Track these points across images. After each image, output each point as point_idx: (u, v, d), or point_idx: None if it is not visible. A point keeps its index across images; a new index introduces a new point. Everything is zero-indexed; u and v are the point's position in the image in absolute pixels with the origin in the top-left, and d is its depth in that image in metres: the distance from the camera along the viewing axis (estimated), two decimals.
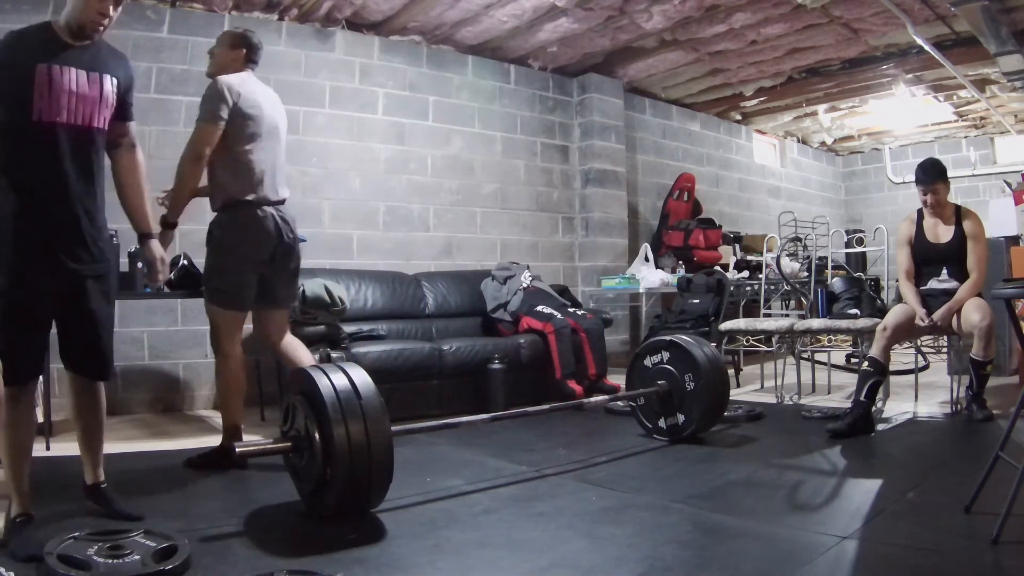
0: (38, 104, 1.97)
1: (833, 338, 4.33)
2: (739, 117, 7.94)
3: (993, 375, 4.58)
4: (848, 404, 3.53)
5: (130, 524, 2.03)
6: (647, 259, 6.00)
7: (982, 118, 7.89)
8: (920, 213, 3.78)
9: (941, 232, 3.69)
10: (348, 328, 4.01)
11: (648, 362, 3.29)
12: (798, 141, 9.11)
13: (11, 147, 2.00)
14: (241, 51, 2.97)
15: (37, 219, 2.00)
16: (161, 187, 4.36)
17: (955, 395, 3.71)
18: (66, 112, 2.01)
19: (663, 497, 2.42)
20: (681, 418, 3.14)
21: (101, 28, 2.07)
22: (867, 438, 3.22)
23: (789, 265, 5.19)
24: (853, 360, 4.98)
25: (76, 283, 2.07)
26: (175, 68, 4.44)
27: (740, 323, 4.46)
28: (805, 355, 4.56)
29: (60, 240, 2.03)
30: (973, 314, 3.38)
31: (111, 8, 2.06)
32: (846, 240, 7.28)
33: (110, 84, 2.12)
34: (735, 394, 4.06)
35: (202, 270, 3.15)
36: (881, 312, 4.10)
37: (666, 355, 3.22)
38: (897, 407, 3.86)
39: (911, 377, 4.37)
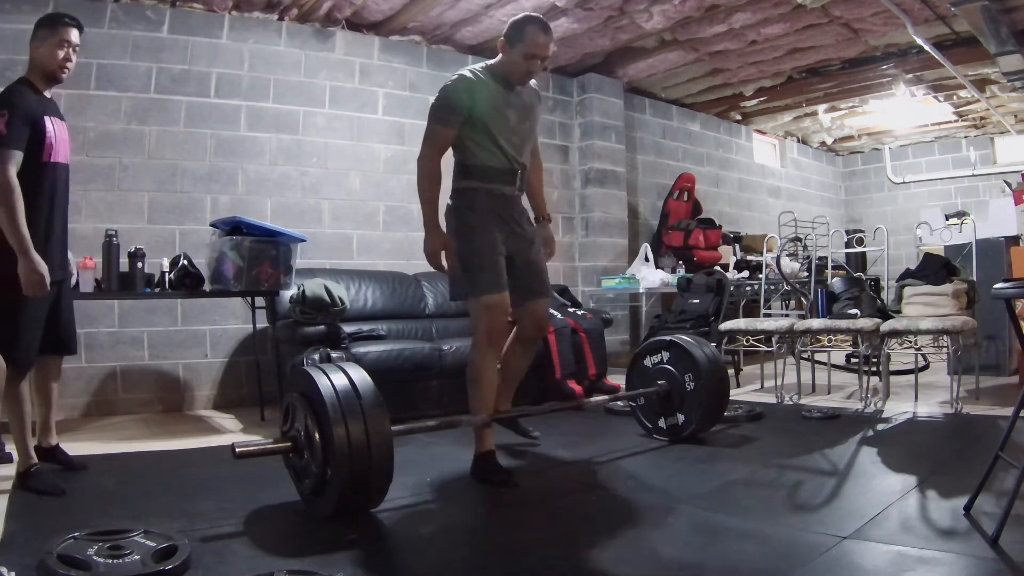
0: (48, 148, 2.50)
1: (833, 338, 4.33)
2: (739, 117, 7.94)
3: (993, 375, 4.61)
4: (847, 404, 3.52)
5: (127, 524, 2.04)
6: (647, 259, 6.00)
7: (982, 118, 7.89)
8: None
9: None
10: (348, 328, 4.01)
11: (648, 362, 3.29)
12: (798, 141, 9.11)
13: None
14: None
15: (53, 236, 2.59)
16: (162, 186, 4.40)
17: (955, 395, 3.71)
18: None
19: (663, 497, 2.42)
20: (681, 418, 3.14)
21: (67, 72, 2.56)
22: (867, 438, 3.22)
23: (789, 265, 5.19)
24: (853, 360, 4.98)
25: (61, 285, 2.63)
26: (175, 68, 4.45)
27: (740, 323, 4.46)
28: (805, 355, 4.55)
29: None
30: None
31: (72, 55, 2.55)
32: (846, 240, 7.29)
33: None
34: (735, 394, 4.06)
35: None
36: (881, 312, 4.10)
37: (666, 355, 3.22)
38: (897, 407, 3.86)
39: (911, 377, 4.37)
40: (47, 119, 2.50)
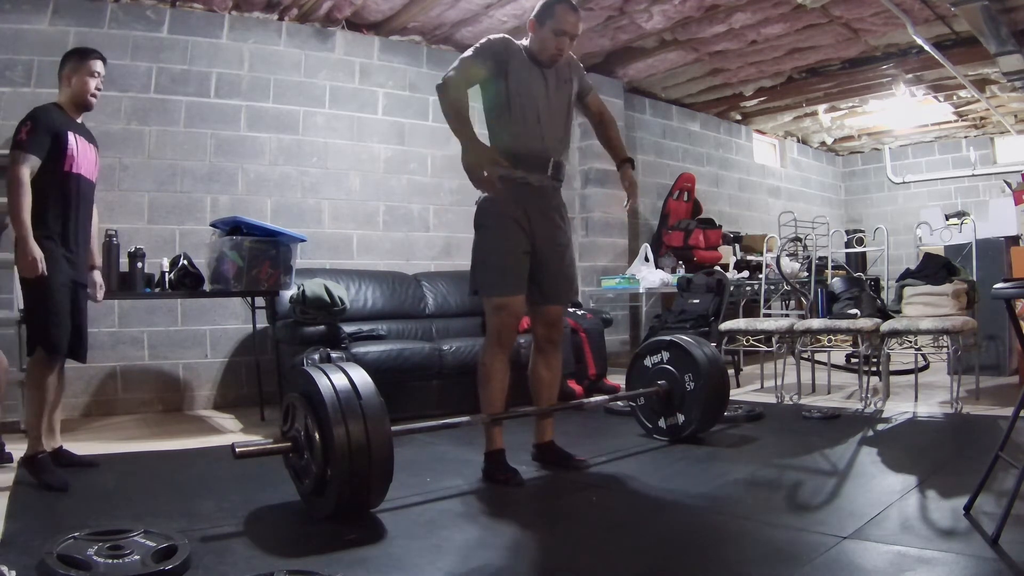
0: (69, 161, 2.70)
1: (833, 338, 4.33)
2: (739, 117, 7.93)
3: (993, 375, 4.61)
4: (847, 404, 3.51)
5: (127, 524, 2.04)
6: (647, 259, 6.00)
7: (982, 118, 7.89)
8: None
9: None
10: (348, 328, 4.01)
11: (648, 362, 3.29)
12: (798, 141, 9.11)
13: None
14: None
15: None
16: (162, 186, 4.40)
17: (955, 395, 3.71)
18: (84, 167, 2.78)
19: (663, 497, 2.42)
20: (681, 418, 3.14)
21: (95, 99, 2.80)
22: (867, 438, 3.23)
23: (789, 265, 5.19)
24: (853, 360, 4.98)
25: (78, 289, 2.78)
26: (175, 68, 4.45)
27: (740, 323, 4.46)
28: (805, 355, 4.55)
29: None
30: None
31: (100, 84, 2.80)
32: (846, 240, 7.28)
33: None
34: (735, 394, 4.06)
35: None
36: (881, 312, 4.10)
37: (666, 355, 3.22)
38: (897, 407, 3.86)
39: (911, 377, 4.37)
40: (71, 134, 2.70)
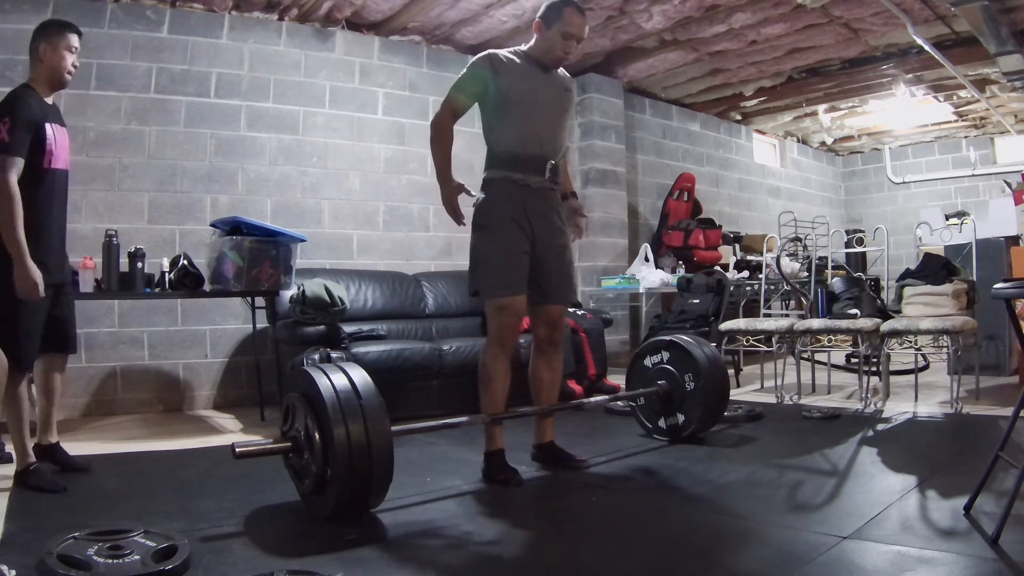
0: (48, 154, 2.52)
1: (833, 338, 4.33)
2: (739, 117, 7.93)
3: (993, 375, 4.61)
4: (847, 404, 3.51)
5: (127, 524, 2.04)
6: (647, 259, 6.00)
7: (982, 118, 7.89)
8: None
9: None
10: (348, 328, 4.01)
11: (648, 362, 3.29)
12: (798, 141, 9.11)
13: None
14: None
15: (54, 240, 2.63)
16: (162, 186, 4.40)
17: (955, 395, 3.71)
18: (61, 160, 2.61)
19: (663, 497, 2.42)
20: (681, 418, 3.14)
21: (71, 76, 2.63)
22: (867, 438, 3.23)
23: (789, 265, 5.19)
24: (853, 360, 4.98)
25: (59, 291, 2.65)
26: (175, 68, 4.45)
27: (740, 323, 4.46)
28: (805, 355, 4.55)
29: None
30: None
31: (76, 61, 2.63)
32: (846, 240, 7.29)
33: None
34: (735, 394, 4.06)
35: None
36: (881, 312, 4.10)
37: (666, 355, 3.22)
38: (897, 407, 3.86)
39: (911, 377, 4.37)
40: (48, 126, 2.52)
